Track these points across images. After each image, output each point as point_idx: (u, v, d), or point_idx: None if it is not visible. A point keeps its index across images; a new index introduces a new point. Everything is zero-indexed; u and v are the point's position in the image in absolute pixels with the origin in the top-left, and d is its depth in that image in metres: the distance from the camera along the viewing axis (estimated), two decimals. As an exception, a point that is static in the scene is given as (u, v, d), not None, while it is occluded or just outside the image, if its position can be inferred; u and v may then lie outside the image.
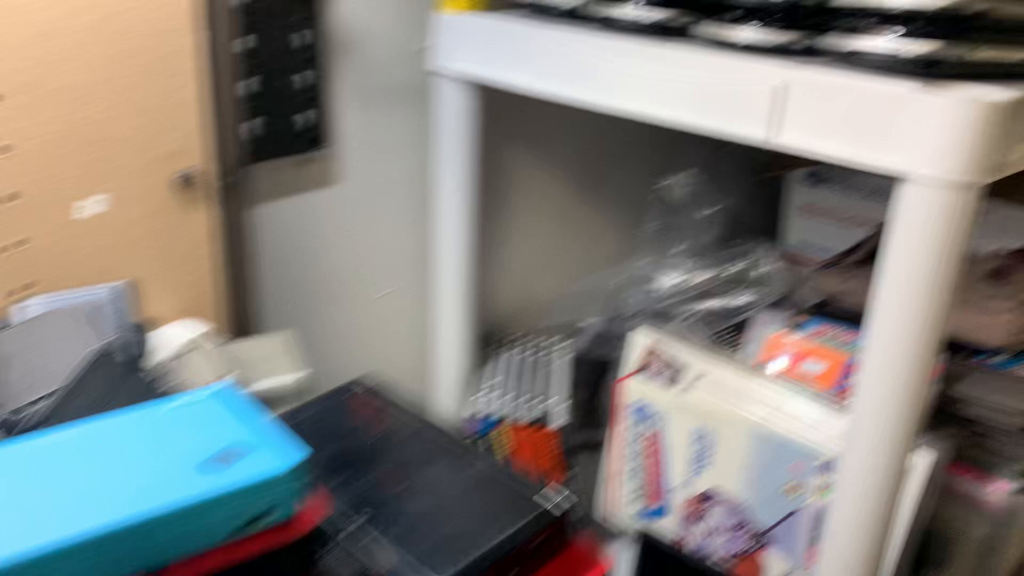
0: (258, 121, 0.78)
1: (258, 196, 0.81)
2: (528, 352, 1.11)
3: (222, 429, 0.36)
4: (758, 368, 0.89)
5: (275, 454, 0.34)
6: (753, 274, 1.11)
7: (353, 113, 0.90)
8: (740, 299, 1.06)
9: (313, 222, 0.90)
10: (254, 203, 0.80)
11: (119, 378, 0.49)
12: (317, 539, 0.36)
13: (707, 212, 1.16)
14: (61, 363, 0.49)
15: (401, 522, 0.42)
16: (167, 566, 0.31)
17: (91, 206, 0.69)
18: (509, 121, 1.05)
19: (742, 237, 1.15)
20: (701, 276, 1.10)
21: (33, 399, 0.50)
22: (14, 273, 0.67)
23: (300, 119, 0.83)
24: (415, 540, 0.41)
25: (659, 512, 0.90)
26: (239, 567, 0.33)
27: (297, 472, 0.34)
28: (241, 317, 0.79)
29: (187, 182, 0.72)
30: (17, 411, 0.50)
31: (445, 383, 1.03)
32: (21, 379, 0.52)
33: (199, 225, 0.75)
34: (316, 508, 0.37)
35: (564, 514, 0.43)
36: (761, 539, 0.81)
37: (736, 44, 0.66)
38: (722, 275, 1.10)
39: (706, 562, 0.85)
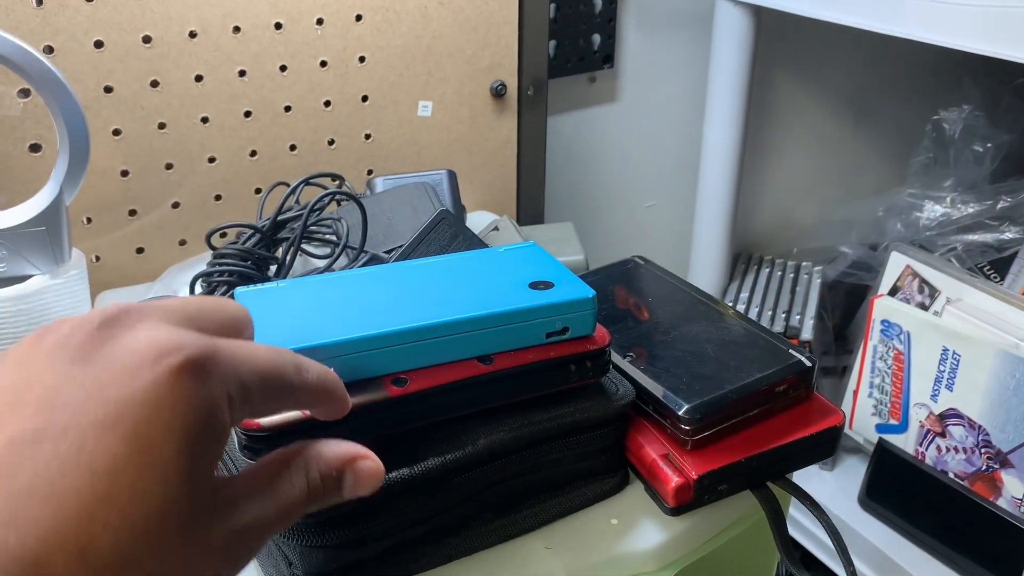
0: (558, 40, 0.89)
1: (552, 108, 0.93)
2: (781, 272, 1.17)
3: (538, 267, 0.48)
4: (1017, 298, 0.89)
5: (575, 287, 0.45)
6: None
7: (640, 36, 0.99)
8: (1007, 234, 1.05)
9: (595, 134, 1.01)
10: (549, 114, 0.92)
11: (453, 236, 0.63)
12: (607, 355, 0.47)
13: (981, 148, 1.14)
14: (412, 222, 0.64)
15: (659, 364, 0.52)
16: (494, 356, 0.44)
17: (421, 109, 0.84)
18: (783, 47, 1.09)
19: (1016, 175, 1.12)
20: (968, 210, 1.10)
21: (388, 249, 0.66)
22: (360, 161, 0.84)
23: (594, 39, 0.94)
24: (670, 378, 0.50)
25: (899, 428, 0.94)
26: (553, 363, 0.45)
27: (591, 301, 0.45)
28: (531, 210, 0.92)
29: (499, 92, 0.86)
30: (376, 257, 0.65)
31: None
32: (381, 233, 0.68)
33: (507, 130, 0.88)
34: (605, 334, 0.47)
35: (810, 367, 0.51)
36: (1001, 459, 0.84)
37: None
38: (991, 210, 1.09)
39: (942, 477, 0.88)
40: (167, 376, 0.24)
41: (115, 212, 0.73)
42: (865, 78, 1.22)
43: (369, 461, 0.32)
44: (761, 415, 0.50)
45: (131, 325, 0.26)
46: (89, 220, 0.73)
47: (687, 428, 0.47)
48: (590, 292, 0.44)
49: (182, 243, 0.77)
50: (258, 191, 0.79)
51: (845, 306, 1.20)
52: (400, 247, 0.65)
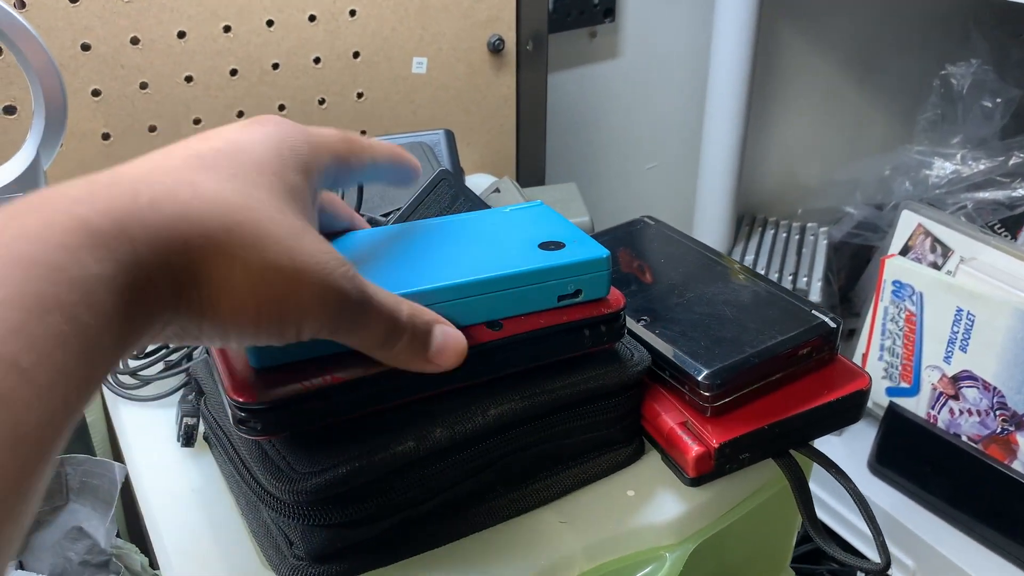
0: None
1: (552, 64, 0.89)
2: (786, 234, 1.14)
3: (547, 228, 0.45)
4: (1033, 256, 0.87)
5: (588, 247, 0.42)
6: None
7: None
8: (1019, 191, 1.02)
9: (596, 92, 0.98)
10: (549, 70, 0.88)
11: (453, 197, 0.59)
12: (622, 319, 0.45)
13: (991, 103, 1.11)
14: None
15: (675, 328, 0.49)
16: (503, 321, 0.41)
17: (416, 66, 0.80)
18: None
19: (1027, 130, 1.10)
20: (978, 167, 1.07)
21: (386, 212, 0.63)
22: (353, 122, 0.80)
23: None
24: (687, 342, 0.48)
25: (911, 391, 0.92)
26: (566, 327, 0.42)
27: (606, 262, 0.42)
28: (532, 171, 0.89)
29: (497, 47, 0.82)
30: (372, 221, 0.62)
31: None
32: (376, 195, 0.65)
33: (505, 87, 0.85)
34: (619, 297, 0.44)
35: (834, 329, 0.48)
36: (1016, 422, 0.82)
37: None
38: (1002, 167, 1.06)
39: (955, 440, 0.87)
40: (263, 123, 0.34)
41: (97, 177, 0.70)
42: (872, 32, 1.19)
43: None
44: (784, 379, 0.48)
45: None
46: (70, 186, 0.70)
47: (707, 394, 0.45)
48: (604, 252, 0.41)
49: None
50: (247, 154, 0.75)
51: (851, 267, 1.18)
52: (398, 209, 0.62)
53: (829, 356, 0.49)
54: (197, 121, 0.72)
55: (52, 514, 0.58)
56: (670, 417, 0.47)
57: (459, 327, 0.38)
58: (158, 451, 0.50)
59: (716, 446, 0.45)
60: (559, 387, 0.43)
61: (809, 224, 1.14)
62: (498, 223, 0.46)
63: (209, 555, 0.43)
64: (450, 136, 0.71)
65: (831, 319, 0.49)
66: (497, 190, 0.71)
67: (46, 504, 0.58)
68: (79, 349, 0.22)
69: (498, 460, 0.44)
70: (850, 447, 1.01)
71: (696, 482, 0.46)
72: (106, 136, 0.69)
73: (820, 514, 0.99)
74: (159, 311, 0.27)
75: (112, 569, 0.52)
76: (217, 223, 0.28)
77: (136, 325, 0.26)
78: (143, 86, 0.69)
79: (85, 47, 0.66)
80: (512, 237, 0.43)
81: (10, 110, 0.66)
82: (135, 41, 0.68)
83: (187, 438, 0.50)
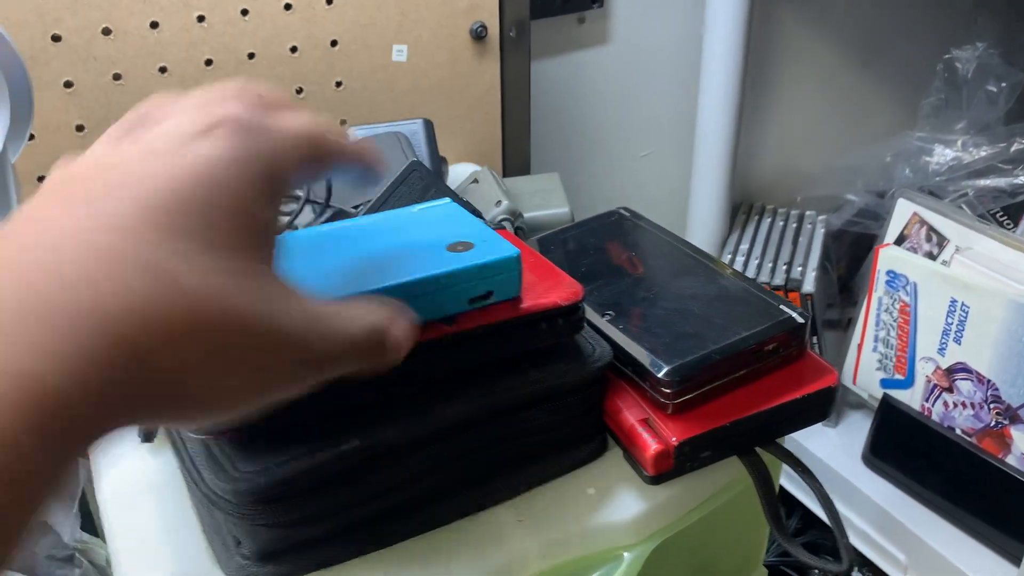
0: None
1: (538, 51, 0.88)
2: (783, 222, 1.12)
3: (456, 228, 0.43)
4: (1030, 245, 0.85)
5: (498, 247, 0.41)
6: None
7: (629, -28, 0.94)
8: (1021, 178, 1.00)
9: (585, 79, 0.96)
10: (534, 57, 0.87)
11: (424, 189, 0.59)
12: (581, 311, 0.44)
13: (995, 87, 1.09)
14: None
15: (639, 323, 0.48)
16: (457, 316, 0.40)
17: (396, 54, 0.79)
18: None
19: (1032, 115, 1.07)
20: (980, 153, 1.04)
21: (355, 204, 0.62)
22: (332, 111, 0.79)
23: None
24: (650, 337, 0.47)
25: (905, 383, 0.90)
26: (524, 320, 0.42)
27: (515, 261, 0.41)
28: (517, 160, 0.88)
29: (480, 34, 0.81)
30: (342, 213, 0.61)
31: (699, 242, 1.07)
32: (347, 186, 0.64)
33: (489, 75, 0.83)
34: (577, 289, 0.44)
35: (802, 324, 0.47)
36: (1011, 415, 0.80)
37: None
38: (1003, 153, 1.04)
39: (949, 434, 0.85)
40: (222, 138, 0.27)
41: (72, 170, 0.70)
42: (875, 15, 1.16)
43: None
44: (749, 376, 0.47)
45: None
46: (43, 179, 0.69)
47: (667, 391, 0.44)
48: (514, 252, 0.40)
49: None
50: (226, 145, 0.75)
51: (851, 256, 1.16)
52: (369, 201, 0.61)
53: (798, 352, 0.48)
54: (173, 112, 0.72)
55: (21, 508, 0.58)
56: (631, 414, 0.46)
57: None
58: (119, 446, 0.50)
59: (675, 444, 0.44)
60: (517, 385, 0.43)
61: (808, 212, 1.12)
62: (406, 224, 0.44)
63: (160, 552, 0.43)
64: (428, 125, 0.70)
65: (799, 314, 0.47)
66: (475, 180, 0.70)
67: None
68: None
69: (453, 460, 0.43)
70: (844, 439, 0.99)
71: (656, 480, 0.45)
72: (80, 128, 0.69)
73: (820, 512, 0.98)
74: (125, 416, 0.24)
75: (76, 563, 0.52)
76: (203, 319, 0.24)
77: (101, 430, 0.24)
78: (116, 77, 0.68)
79: (56, 38, 0.66)
80: (420, 239, 0.42)
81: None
82: (107, 32, 0.67)
83: (147, 434, 0.49)
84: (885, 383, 0.92)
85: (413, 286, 0.38)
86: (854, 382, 0.95)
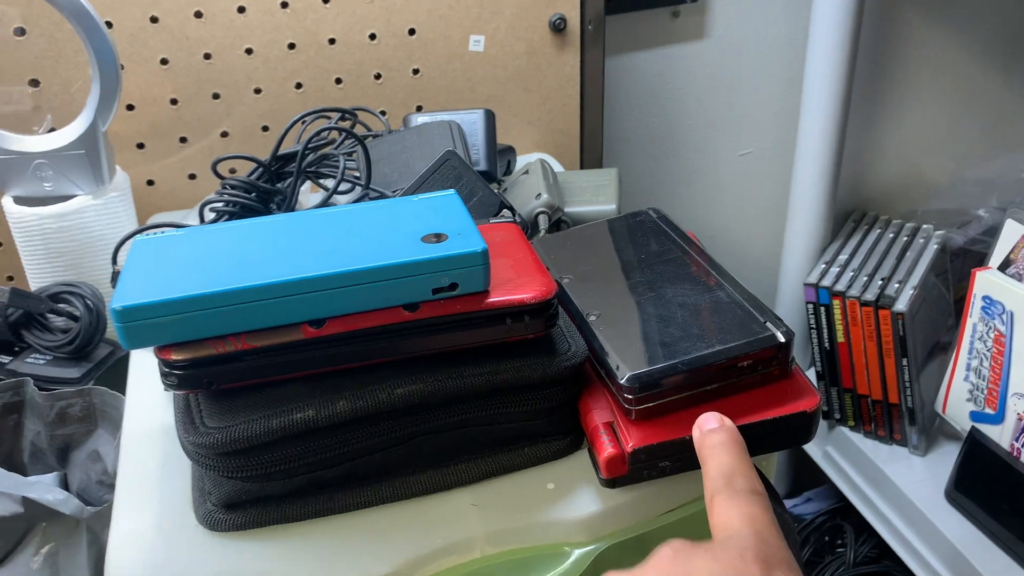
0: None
1: (629, 44, 0.87)
2: (895, 234, 1.05)
3: (441, 219, 0.45)
4: None
5: (468, 241, 0.42)
6: None
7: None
8: None
9: (681, 74, 0.94)
10: (624, 51, 0.86)
11: (457, 178, 0.60)
12: (552, 310, 0.45)
13: None
14: (429, 162, 0.62)
15: (622, 326, 0.48)
16: (421, 304, 0.41)
17: (473, 44, 0.81)
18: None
19: None
20: None
21: (394, 189, 0.65)
22: (409, 97, 0.82)
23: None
24: (626, 341, 0.46)
25: (995, 418, 0.83)
26: (488, 314, 0.43)
27: (481, 256, 0.41)
28: (590, 154, 0.88)
29: (558, 27, 0.81)
30: (381, 196, 0.64)
31: (797, 247, 1.03)
32: (397, 171, 0.67)
33: (568, 67, 0.83)
34: (550, 287, 0.44)
35: (784, 343, 0.45)
36: (1101, 465, 0.73)
37: None
38: None
39: (1034, 477, 0.78)
40: None
41: (167, 139, 0.77)
42: (1015, 16, 1.06)
43: None
44: (724, 390, 0.46)
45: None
46: (141, 146, 0.77)
47: (629, 397, 0.44)
48: (480, 247, 0.41)
49: (232, 171, 0.80)
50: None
51: (965, 277, 1.07)
52: (403, 188, 0.63)
53: (781, 371, 0.47)
54: (258, 91, 0.77)
55: (85, 436, 0.65)
56: (599, 415, 0.46)
57: (376, 309, 0.41)
58: (148, 391, 0.55)
59: (631, 450, 0.44)
60: (476, 373, 0.44)
61: (924, 226, 1.04)
62: (398, 213, 0.46)
63: (152, 491, 0.47)
64: (489, 115, 0.72)
65: (783, 333, 0.46)
66: (527, 172, 0.71)
67: (81, 427, 0.65)
68: None
69: (409, 438, 0.45)
70: (932, 470, 0.93)
71: (611, 484, 0.45)
72: (174, 101, 0.76)
73: (893, 544, 0.92)
74: None
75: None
76: None
77: None
78: (207, 56, 0.74)
79: (154, 19, 0.72)
80: (401, 228, 0.44)
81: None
82: (199, 15, 0.73)
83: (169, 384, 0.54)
84: (975, 416, 0.85)
85: (377, 272, 0.41)
86: (943, 411, 0.89)
